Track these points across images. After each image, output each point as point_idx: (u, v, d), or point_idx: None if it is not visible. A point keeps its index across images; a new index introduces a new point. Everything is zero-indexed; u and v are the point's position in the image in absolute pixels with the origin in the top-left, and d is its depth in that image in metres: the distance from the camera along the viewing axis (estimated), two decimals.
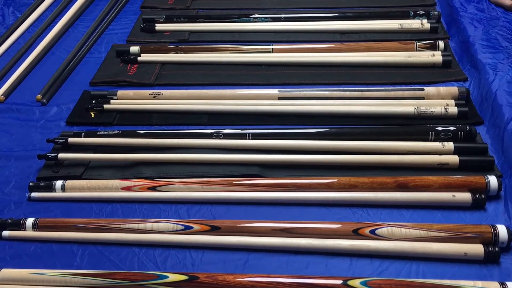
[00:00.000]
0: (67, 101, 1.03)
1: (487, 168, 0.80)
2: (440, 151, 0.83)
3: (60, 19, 1.33)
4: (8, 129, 0.97)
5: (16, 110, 1.02)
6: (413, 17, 1.21)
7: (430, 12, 1.21)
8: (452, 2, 1.21)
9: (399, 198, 0.76)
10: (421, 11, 1.21)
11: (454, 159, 0.81)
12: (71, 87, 1.08)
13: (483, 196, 0.74)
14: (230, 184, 0.80)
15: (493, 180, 0.75)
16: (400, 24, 1.18)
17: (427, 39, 1.13)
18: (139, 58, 1.14)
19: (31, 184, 0.82)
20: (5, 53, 1.22)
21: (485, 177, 0.76)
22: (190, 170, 0.84)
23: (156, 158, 0.85)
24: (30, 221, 0.75)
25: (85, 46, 1.22)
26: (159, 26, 1.26)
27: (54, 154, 0.85)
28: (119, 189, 0.80)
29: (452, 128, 0.86)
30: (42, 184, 0.82)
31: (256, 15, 1.27)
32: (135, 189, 0.80)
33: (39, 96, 1.04)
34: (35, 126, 0.97)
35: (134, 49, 1.16)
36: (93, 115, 0.99)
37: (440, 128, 0.86)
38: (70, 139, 0.89)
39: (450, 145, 0.83)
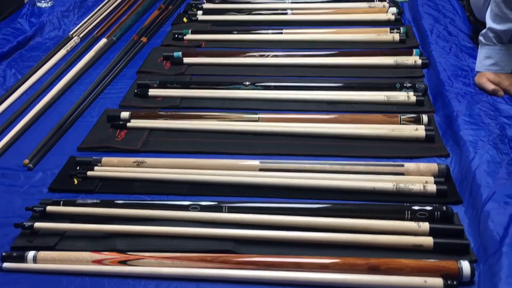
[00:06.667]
0: (53, 167, 1.04)
1: (463, 252, 0.78)
2: (415, 231, 0.81)
3: (58, 82, 1.37)
4: None
5: (2, 175, 1.03)
6: (400, 89, 1.22)
7: (416, 85, 1.23)
8: (439, 76, 1.22)
9: (370, 281, 0.75)
10: (407, 84, 1.23)
11: (429, 241, 0.79)
12: (59, 152, 1.09)
13: (455, 283, 0.72)
14: (202, 260, 0.79)
15: (465, 266, 0.74)
16: (387, 96, 1.20)
17: (413, 112, 1.14)
18: (128, 124, 1.16)
19: (4, 254, 0.82)
20: (1, 115, 1.25)
21: (458, 262, 0.74)
22: (164, 243, 0.84)
23: (130, 230, 0.85)
24: None
25: (78, 110, 1.25)
26: (152, 92, 1.29)
27: (30, 224, 0.86)
28: (89, 262, 0.80)
29: (428, 208, 0.85)
30: (14, 254, 0.82)
31: (247, 82, 1.29)
32: (105, 262, 0.80)
33: (26, 161, 1.05)
34: (18, 192, 0.98)
35: (124, 114, 1.18)
36: (76, 182, 1.00)
37: (416, 208, 0.85)
38: (48, 208, 0.89)
39: (425, 225, 0.82)
